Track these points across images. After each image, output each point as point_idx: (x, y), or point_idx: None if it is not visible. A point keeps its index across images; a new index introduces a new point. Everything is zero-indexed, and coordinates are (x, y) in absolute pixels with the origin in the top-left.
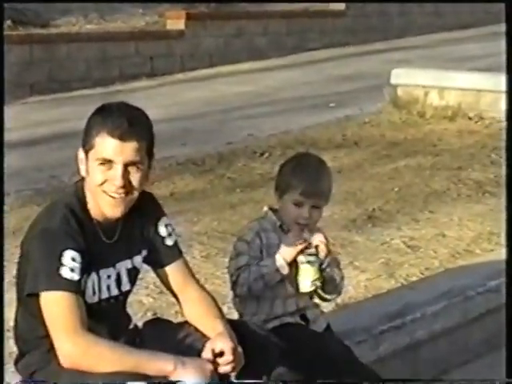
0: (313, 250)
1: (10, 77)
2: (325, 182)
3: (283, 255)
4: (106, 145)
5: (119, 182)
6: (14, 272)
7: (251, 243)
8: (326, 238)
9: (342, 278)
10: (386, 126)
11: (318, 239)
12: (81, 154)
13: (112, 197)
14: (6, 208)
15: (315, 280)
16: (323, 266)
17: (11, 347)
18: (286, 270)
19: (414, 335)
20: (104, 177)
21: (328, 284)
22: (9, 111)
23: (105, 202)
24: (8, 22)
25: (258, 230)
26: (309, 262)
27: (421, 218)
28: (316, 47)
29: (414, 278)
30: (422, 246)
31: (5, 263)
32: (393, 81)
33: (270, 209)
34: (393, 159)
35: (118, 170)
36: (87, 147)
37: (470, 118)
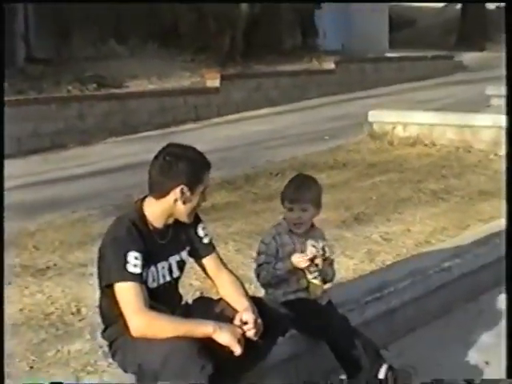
0: (315, 268)
1: (95, 124)
2: (308, 191)
3: (293, 263)
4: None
5: None
6: None
7: (269, 244)
8: (323, 250)
9: (333, 274)
10: (366, 152)
11: (318, 260)
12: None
13: None
14: (92, 219)
15: (321, 287)
16: (324, 273)
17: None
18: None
19: (390, 304)
20: None
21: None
22: (94, 149)
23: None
24: (94, 86)
25: (274, 235)
26: (315, 278)
27: (392, 218)
28: (314, 96)
29: (389, 262)
30: (393, 239)
31: (88, 259)
32: (370, 119)
33: (284, 218)
34: (371, 176)
35: None
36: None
37: (425, 145)
